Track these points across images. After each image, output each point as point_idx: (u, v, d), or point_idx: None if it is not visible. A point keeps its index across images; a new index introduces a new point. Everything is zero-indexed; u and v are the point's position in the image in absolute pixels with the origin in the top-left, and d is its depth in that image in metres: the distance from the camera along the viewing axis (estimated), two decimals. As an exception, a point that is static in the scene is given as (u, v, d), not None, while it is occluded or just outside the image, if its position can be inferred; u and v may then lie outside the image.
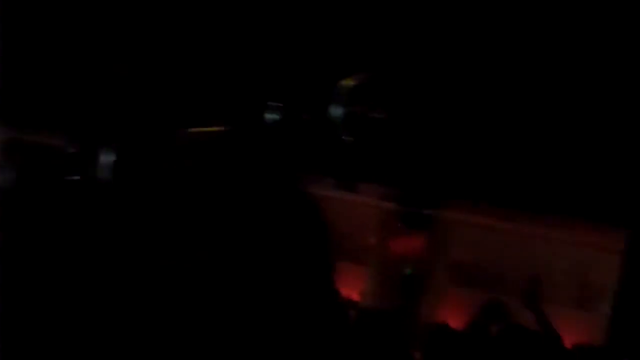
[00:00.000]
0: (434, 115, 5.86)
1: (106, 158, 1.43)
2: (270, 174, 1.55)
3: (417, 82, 5.27)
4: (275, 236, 1.41)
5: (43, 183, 1.61)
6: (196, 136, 1.63)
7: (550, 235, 7.23)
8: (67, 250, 1.43)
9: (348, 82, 1.90)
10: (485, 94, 5.67)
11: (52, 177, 1.58)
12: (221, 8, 5.38)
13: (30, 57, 5.59)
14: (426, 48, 5.51)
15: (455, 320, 7.02)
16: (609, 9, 4.53)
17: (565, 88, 5.23)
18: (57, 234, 1.47)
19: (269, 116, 1.85)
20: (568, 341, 5.29)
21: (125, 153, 1.49)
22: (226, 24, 5.36)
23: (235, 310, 1.23)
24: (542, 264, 7.46)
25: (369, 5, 5.36)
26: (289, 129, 1.84)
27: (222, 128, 1.66)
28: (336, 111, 1.85)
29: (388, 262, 8.04)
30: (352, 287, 6.84)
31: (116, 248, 1.35)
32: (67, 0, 5.95)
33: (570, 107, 5.32)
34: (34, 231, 1.49)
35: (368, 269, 8.16)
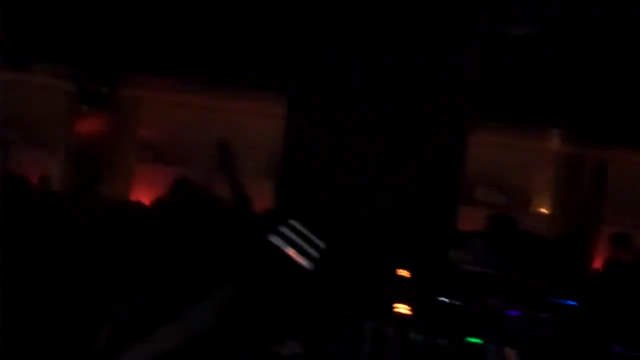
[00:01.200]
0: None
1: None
2: None
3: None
4: None
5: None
6: None
7: (231, 106, 7.35)
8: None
9: None
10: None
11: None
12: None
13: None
14: None
15: (145, 197, 6.92)
16: None
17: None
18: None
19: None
20: (258, 207, 5.47)
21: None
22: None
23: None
24: (229, 135, 7.60)
25: None
26: None
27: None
28: None
29: (72, 144, 7.75)
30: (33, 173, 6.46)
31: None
32: None
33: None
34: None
35: (52, 153, 7.86)
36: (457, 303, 2.80)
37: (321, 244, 3.70)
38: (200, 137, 7.89)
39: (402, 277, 3.30)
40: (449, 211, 4.28)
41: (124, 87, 7.61)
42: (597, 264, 6.99)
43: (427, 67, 4.08)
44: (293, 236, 3.43)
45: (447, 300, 2.82)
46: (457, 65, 4.14)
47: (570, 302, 3.25)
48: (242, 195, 5.33)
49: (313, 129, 4.37)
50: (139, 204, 6.58)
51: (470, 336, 2.38)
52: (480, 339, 2.35)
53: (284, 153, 4.59)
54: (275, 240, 3.23)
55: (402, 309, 2.65)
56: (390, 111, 4.15)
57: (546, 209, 9.28)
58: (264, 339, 2.31)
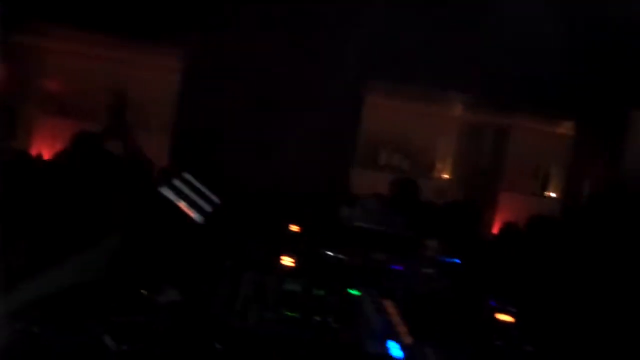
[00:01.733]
0: None
1: None
2: None
3: None
4: None
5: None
6: None
7: (132, 59, 7.24)
8: None
9: None
10: None
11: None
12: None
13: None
14: None
15: (47, 150, 6.78)
16: None
17: None
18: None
19: None
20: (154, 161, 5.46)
21: None
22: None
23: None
24: (129, 88, 7.54)
25: None
26: None
27: None
28: None
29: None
30: None
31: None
32: None
33: None
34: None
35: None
36: (341, 256, 2.83)
37: (214, 198, 3.68)
38: (100, 89, 7.76)
39: (291, 231, 3.31)
40: (342, 170, 4.33)
41: (24, 37, 7.37)
42: (493, 228, 7.16)
43: (320, 28, 4.09)
44: (185, 189, 3.40)
45: (331, 253, 2.85)
46: (351, 27, 4.15)
47: (455, 260, 3.33)
48: (134, 148, 5.27)
49: (209, 86, 4.34)
50: (38, 156, 6.44)
51: (351, 288, 2.41)
52: (360, 291, 2.38)
53: (181, 108, 4.54)
54: (167, 192, 3.19)
55: (286, 260, 2.67)
56: (287, 71, 4.15)
57: (448, 174, 9.44)
58: (143, 286, 2.29)
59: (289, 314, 2.01)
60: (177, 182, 3.23)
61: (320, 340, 1.86)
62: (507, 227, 5.79)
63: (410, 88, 6.82)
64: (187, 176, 3.45)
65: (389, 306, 2.27)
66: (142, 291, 2.26)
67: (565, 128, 7.41)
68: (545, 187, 9.30)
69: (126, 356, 1.81)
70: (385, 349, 1.89)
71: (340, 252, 2.89)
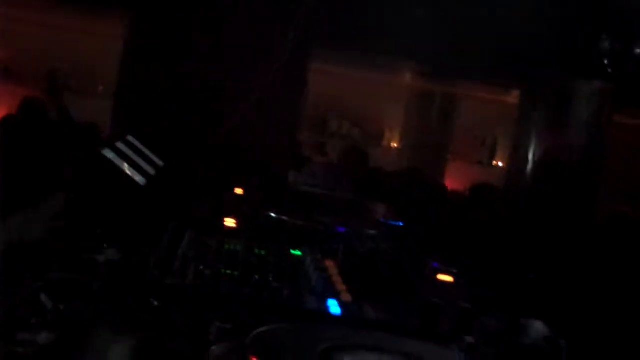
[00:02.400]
0: None
1: None
2: None
3: None
4: None
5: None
6: None
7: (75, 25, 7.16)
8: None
9: None
10: None
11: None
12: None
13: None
14: None
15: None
16: None
17: None
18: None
19: None
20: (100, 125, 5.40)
21: None
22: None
23: None
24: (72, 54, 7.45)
25: None
26: None
27: None
28: None
29: None
30: None
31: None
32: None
33: None
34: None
35: None
36: (285, 218, 2.83)
37: (158, 161, 3.65)
38: (45, 56, 7.64)
39: (235, 194, 3.30)
40: (289, 136, 4.33)
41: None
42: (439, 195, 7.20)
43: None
44: (129, 152, 3.36)
45: (274, 215, 2.85)
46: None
47: (399, 224, 3.35)
48: (64, 111, 5.21)
49: (154, 52, 4.29)
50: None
51: (293, 249, 2.41)
52: (302, 252, 2.38)
53: (125, 74, 4.49)
54: (109, 154, 3.16)
55: (228, 222, 2.66)
56: (230, 34, 4.11)
57: (397, 143, 9.49)
58: (83, 246, 2.27)
59: (228, 272, 2.00)
60: (120, 145, 3.19)
61: (259, 297, 1.86)
62: (451, 194, 5.86)
63: (359, 55, 6.83)
64: (131, 139, 3.42)
65: (330, 266, 2.27)
66: (81, 251, 2.24)
67: (513, 97, 7.49)
68: (492, 157, 9.41)
69: (62, 314, 1.79)
70: (324, 306, 1.89)
71: (284, 215, 2.89)
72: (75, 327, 1.71)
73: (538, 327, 0.51)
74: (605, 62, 5.68)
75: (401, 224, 3.34)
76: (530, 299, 2.54)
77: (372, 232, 2.90)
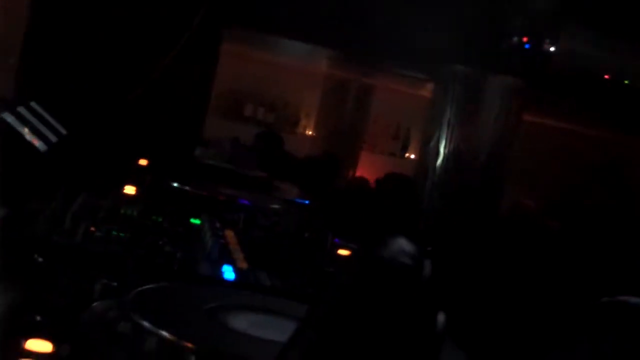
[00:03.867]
0: None
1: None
2: None
3: None
4: None
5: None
6: None
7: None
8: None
9: None
10: None
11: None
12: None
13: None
14: None
15: None
16: None
17: None
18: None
19: None
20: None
21: None
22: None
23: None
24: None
25: None
26: None
27: None
28: None
29: None
30: None
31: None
32: None
33: None
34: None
35: None
36: (187, 188, 2.77)
37: (61, 129, 3.53)
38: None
39: (138, 164, 3.23)
40: (197, 118, 4.29)
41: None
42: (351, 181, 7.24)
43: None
44: (31, 118, 3.24)
45: (177, 185, 2.79)
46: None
47: (305, 202, 3.33)
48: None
49: (58, 15, 4.17)
50: None
51: (193, 217, 2.36)
52: (201, 220, 2.33)
53: (29, 38, 4.35)
54: (9, 118, 3.03)
55: (128, 189, 2.58)
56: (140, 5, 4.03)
57: (311, 130, 9.48)
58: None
59: (121, 234, 1.94)
60: (22, 110, 3.08)
61: (151, 260, 1.80)
62: (360, 180, 5.89)
63: (276, 40, 6.79)
64: (34, 105, 3.30)
65: (229, 235, 2.23)
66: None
67: (427, 90, 7.57)
68: (405, 149, 9.50)
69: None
70: (219, 272, 1.85)
71: (187, 185, 2.83)
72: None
73: (401, 242, 0.49)
74: (515, 59, 5.78)
75: (307, 202, 3.33)
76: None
77: (276, 206, 2.87)
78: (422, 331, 0.51)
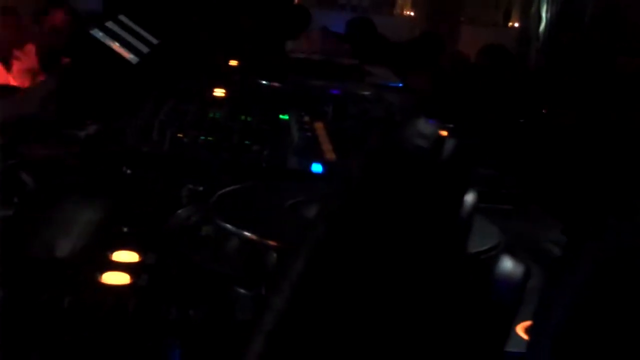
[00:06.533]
0: None
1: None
2: None
3: None
4: None
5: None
6: None
7: None
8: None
9: None
10: None
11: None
12: None
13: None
14: None
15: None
16: None
17: None
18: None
19: None
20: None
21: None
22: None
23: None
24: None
25: None
26: None
27: None
28: None
29: None
30: None
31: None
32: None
33: None
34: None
35: None
36: (276, 85, 2.75)
37: (152, 39, 3.56)
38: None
39: (229, 65, 3.22)
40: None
41: None
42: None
43: None
44: (120, 31, 3.27)
45: (266, 82, 2.77)
46: None
47: (398, 85, 3.26)
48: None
49: None
50: None
51: (282, 114, 2.34)
52: (289, 116, 2.31)
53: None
54: (98, 34, 3.07)
55: (217, 92, 2.59)
56: None
57: (409, 10, 9.25)
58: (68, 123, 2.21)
59: (209, 138, 1.95)
60: (111, 25, 3.10)
61: (237, 160, 1.80)
62: (458, 56, 5.72)
63: None
64: (123, 18, 3.32)
65: (318, 127, 2.21)
66: (63, 127, 2.19)
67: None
68: (507, 17, 9.16)
69: (42, 191, 1.75)
70: (307, 166, 1.84)
71: (277, 82, 2.81)
72: (49, 199, 1.67)
73: (418, 123, 0.46)
74: None
75: (400, 84, 3.26)
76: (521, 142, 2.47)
77: (366, 92, 2.82)
78: (443, 217, 0.47)
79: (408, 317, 0.45)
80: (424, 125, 0.51)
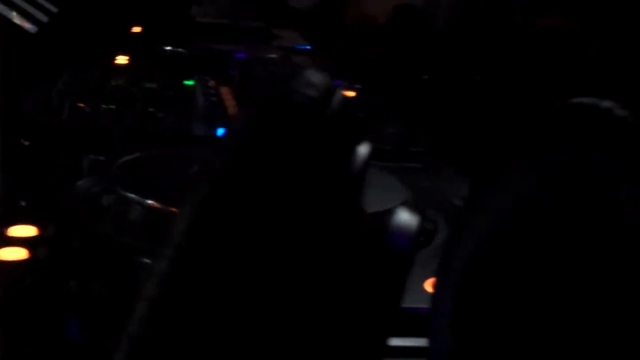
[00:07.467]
0: None
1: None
2: None
3: None
4: None
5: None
6: None
7: None
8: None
9: None
10: None
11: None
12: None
13: None
14: None
15: None
16: None
17: None
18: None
19: None
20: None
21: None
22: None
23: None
24: None
25: None
26: None
27: None
28: None
29: None
30: None
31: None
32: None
33: None
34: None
35: None
36: (181, 50, 2.69)
37: (51, 7, 3.43)
38: None
39: (132, 32, 3.14)
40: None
41: None
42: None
43: None
44: (18, 1, 3.14)
45: (170, 48, 2.71)
46: None
47: (307, 47, 3.23)
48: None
49: None
50: None
51: (187, 79, 2.29)
52: (194, 81, 2.27)
53: None
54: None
55: (120, 59, 2.52)
56: None
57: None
58: None
59: (111, 106, 1.89)
60: (7, -7, 2.98)
61: (141, 128, 1.76)
62: (364, 18, 5.70)
63: None
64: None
65: (224, 92, 2.17)
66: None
67: None
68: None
69: None
70: (213, 132, 1.80)
71: (181, 47, 2.75)
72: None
73: (308, 74, 0.43)
74: None
75: (309, 47, 3.23)
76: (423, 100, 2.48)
77: (274, 56, 2.79)
78: (332, 165, 0.45)
79: (297, 274, 0.43)
80: (313, 75, 0.49)
